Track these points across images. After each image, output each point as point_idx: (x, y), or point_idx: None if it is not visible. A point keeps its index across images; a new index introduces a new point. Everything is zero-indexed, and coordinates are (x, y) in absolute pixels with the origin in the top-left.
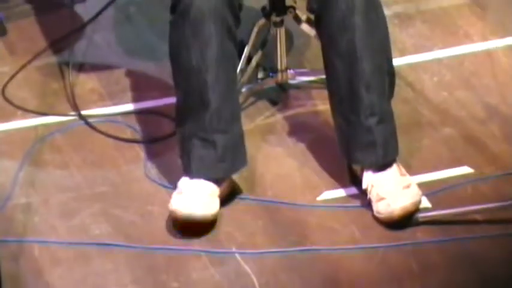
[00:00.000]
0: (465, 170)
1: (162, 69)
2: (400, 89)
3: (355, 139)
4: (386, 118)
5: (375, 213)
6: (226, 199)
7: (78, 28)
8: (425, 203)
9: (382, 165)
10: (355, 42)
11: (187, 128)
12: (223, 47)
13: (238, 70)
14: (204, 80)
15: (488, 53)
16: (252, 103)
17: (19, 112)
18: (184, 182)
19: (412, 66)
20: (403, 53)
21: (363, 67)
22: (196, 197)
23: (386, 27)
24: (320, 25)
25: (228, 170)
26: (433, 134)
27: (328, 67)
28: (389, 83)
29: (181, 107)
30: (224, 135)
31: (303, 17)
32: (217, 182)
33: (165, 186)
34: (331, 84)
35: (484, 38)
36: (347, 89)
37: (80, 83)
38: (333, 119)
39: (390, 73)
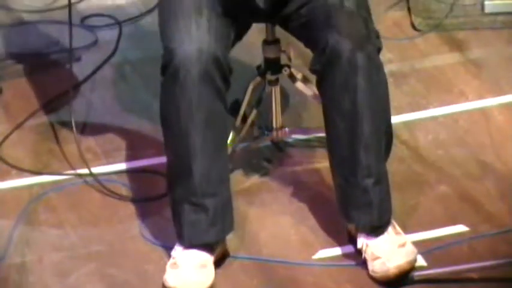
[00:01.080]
0: (460, 228)
1: (157, 128)
2: (395, 147)
3: (351, 198)
4: (382, 179)
5: (370, 272)
6: (220, 260)
7: (74, 87)
8: (421, 261)
9: (377, 226)
10: (358, 103)
11: (178, 193)
12: (213, 109)
13: (233, 128)
14: (193, 143)
15: (483, 111)
16: (247, 161)
17: (14, 171)
18: (178, 253)
19: (407, 124)
20: (398, 111)
21: (364, 128)
22: (191, 271)
23: (387, 88)
24: (322, 85)
25: (220, 233)
26: (428, 192)
27: (329, 127)
28: (386, 143)
29: (171, 170)
30: (214, 198)
31: (298, 76)
32: (210, 247)
33: (160, 245)
34: (332, 144)
35: (479, 96)
36: (347, 149)
37: (75, 142)
38: (332, 178)
39: (388, 134)
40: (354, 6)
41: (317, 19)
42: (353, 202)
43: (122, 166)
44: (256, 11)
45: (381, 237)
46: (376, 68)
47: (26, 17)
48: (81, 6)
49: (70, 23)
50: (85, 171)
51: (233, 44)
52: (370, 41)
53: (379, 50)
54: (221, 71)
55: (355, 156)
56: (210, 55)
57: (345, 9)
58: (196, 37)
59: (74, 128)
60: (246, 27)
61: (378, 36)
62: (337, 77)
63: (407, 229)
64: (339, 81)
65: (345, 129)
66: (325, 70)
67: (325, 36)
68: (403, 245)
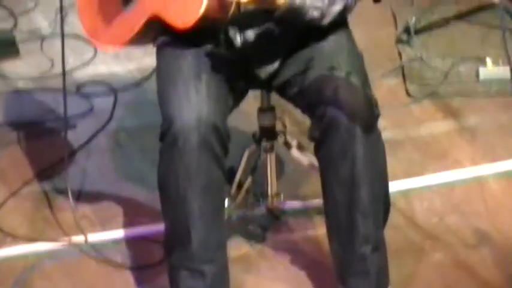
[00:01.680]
0: None
1: (152, 196)
2: (391, 215)
3: (349, 266)
4: (380, 246)
5: None
6: None
7: (69, 155)
8: None
9: None
10: (356, 171)
11: (175, 258)
12: (211, 176)
13: (228, 196)
14: (191, 209)
15: (479, 179)
16: (243, 229)
17: (9, 239)
18: None
19: (402, 192)
20: (393, 178)
21: (362, 195)
22: None
23: (384, 156)
24: (320, 152)
25: None
26: (424, 260)
27: (326, 193)
28: (384, 210)
29: (168, 236)
30: (212, 265)
31: (293, 143)
32: None
33: None
34: (330, 210)
35: (474, 164)
36: (345, 216)
37: (70, 210)
38: (329, 244)
39: (386, 201)
40: (352, 73)
41: (315, 87)
42: (350, 269)
43: (118, 234)
44: (254, 78)
45: None
46: (374, 137)
47: (22, 85)
48: (77, 74)
49: (64, 91)
50: (81, 238)
51: (230, 111)
52: (369, 110)
53: (377, 117)
54: (220, 139)
55: (352, 223)
56: (209, 123)
57: (342, 77)
58: (195, 104)
59: (70, 196)
60: (243, 94)
61: (376, 104)
62: (335, 145)
63: None
64: (337, 149)
65: (343, 196)
66: (323, 138)
67: (323, 104)
68: None
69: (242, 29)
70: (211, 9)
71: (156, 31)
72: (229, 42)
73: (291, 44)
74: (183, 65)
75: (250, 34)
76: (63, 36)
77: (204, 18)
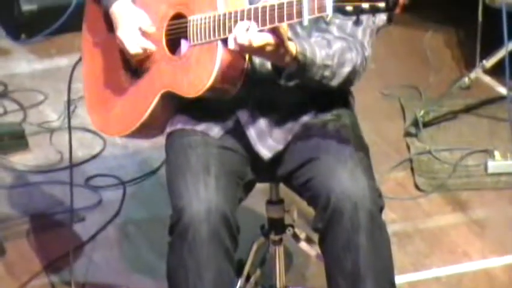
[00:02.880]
0: None
1: None
2: None
3: None
4: None
5: None
6: None
7: (77, 247)
8: None
9: None
10: (360, 263)
11: None
12: (221, 269)
13: None
14: None
15: (487, 272)
16: None
17: None
18: None
19: (411, 284)
20: (401, 271)
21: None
22: None
23: (389, 248)
24: (324, 244)
25: None
26: None
27: (330, 285)
28: None
29: None
30: None
31: (302, 236)
32: None
33: None
34: None
35: (483, 256)
36: None
37: None
38: None
39: None
40: (356, 165)
41: (319, 177)
42: None
43: None
44: (261, 168)
45: None
46: (378, 228)
47: (30, 177)
48: (86, 166)
49: (71, 184)
50: None
51: (239, 202)
52: (372, 200)
53: (381, 209)
54: (230, 231)
55: None
56: (219, 215)
57: (347, 168)
58: (205, 196)
59: None
60: (251, 186)
61: (379, 195)
62: (339, 236)
63: None
64: (341, 240)
65: None
66: (327, 229)
67: (327, 195)
68: None
69: (251, 108)
70: (222, 74)
71: (167, 112)
72: (238, 121)
73: (296, 121)
74: (191, 157)
75: (260, 119)
76: (70, 129)
77: (213, 88)
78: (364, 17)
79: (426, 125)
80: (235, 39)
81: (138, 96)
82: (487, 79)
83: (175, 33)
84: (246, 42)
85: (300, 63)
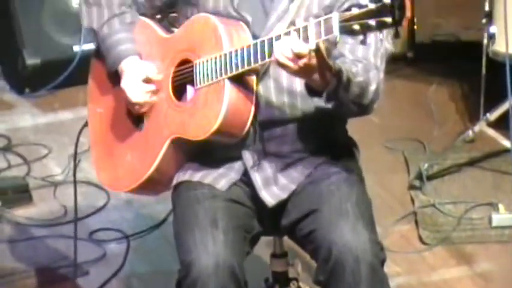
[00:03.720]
0: None
1: None
2: None
3: None
4: None
5: None
6: None
7: None
8: None
9: None
10: None
11: None
12: None
13: None
14: None
15: None
16: None
17: None
18: None
19: None
20: None
21: None
22: None
23: None
24: None
25: None
26: None
27: None
28: None
29: None
30: None
31: None
32: None
33: None
34: None
35: None
36: None
37: None
38: None
39: None
40: (358, 218)
41: (321, 230)
42: None
43: None
44: (266, 217)
45: None
46: (380, 281)
47: (35, 231)
48: (90, 220)
49: (75, 238)
50: None
51: (246, 256)
52: (374, 254)
53: (382, 262)
54: (238, 285)
55: None
56: (227, 269)
57: (349, 221)
58: (213, 251)
59: None
60: (257, 239)
61: (381, 249)
62: None
63: None
64: None
65: None
66: (329, 281)
67: (329, 248)
68: None
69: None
70: (230, 113)
71: (175, 163)
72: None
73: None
74: (199, 212)
75: (266, 165)
76: (75, 184)
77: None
78: (372, 39)
79: (430, 178)
80: (282, 54)
81: (146, 146)
82: (491, 132)
83: (181, 80)
84: (291, 54)
85: (340, 80)
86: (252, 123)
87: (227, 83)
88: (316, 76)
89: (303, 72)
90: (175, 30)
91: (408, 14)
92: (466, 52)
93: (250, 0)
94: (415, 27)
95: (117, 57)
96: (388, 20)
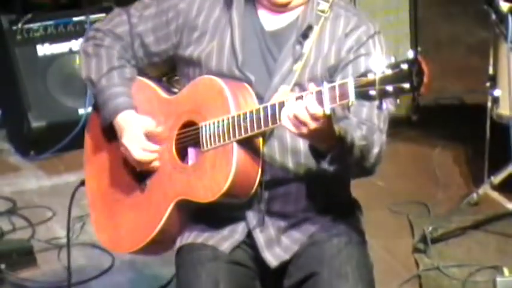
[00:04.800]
0: None
1: None
2: None
3: None
4: None
5: None
6: None
7: None
8: None
9: None
10: None
11: None
12: None
13: None
14: None
15: None
16: None
17: None
18: None
19: None
20: None
21: None
22: None
23: None
24: None
25: None
26: None
27: None
28: None
29: None
30: None
31: None
32: None
33: None
34: None
35: None
36: None
37: None
38: None
39: None
40: (357, 282)
41: None
42: None
43: None
44: (268, 278)
45: None
46: None
47: None
48: (94, 283)
49: None
50: None
51: None
52: None
53: None
54: None
55: None
56: None
57: (349, 284)
58: None
59: None
60: None
61: None
62: None
63: None
64: None
65: None
66: None
67: None
68: None
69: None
70: (239, 175)
71: (179, 224)
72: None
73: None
74: (202, 274)
75: (269, 225)
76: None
77: (231, 190)
78: (387, 102)
79: (435, 241)
80: (295, 116)
81: (149, 207)
82: (495, 195)
83: (185, 142)
84: (306, 115)
85: (344, 144)
86: (260, 181)
87: (235, 145)
88: (322, 139)
89: (310, 136)
90: (176, 90)
91: (426, 80)
92: (471, 115)
93: (253, 60)
94: None
95: (113, 110)
96: (406, 86)
